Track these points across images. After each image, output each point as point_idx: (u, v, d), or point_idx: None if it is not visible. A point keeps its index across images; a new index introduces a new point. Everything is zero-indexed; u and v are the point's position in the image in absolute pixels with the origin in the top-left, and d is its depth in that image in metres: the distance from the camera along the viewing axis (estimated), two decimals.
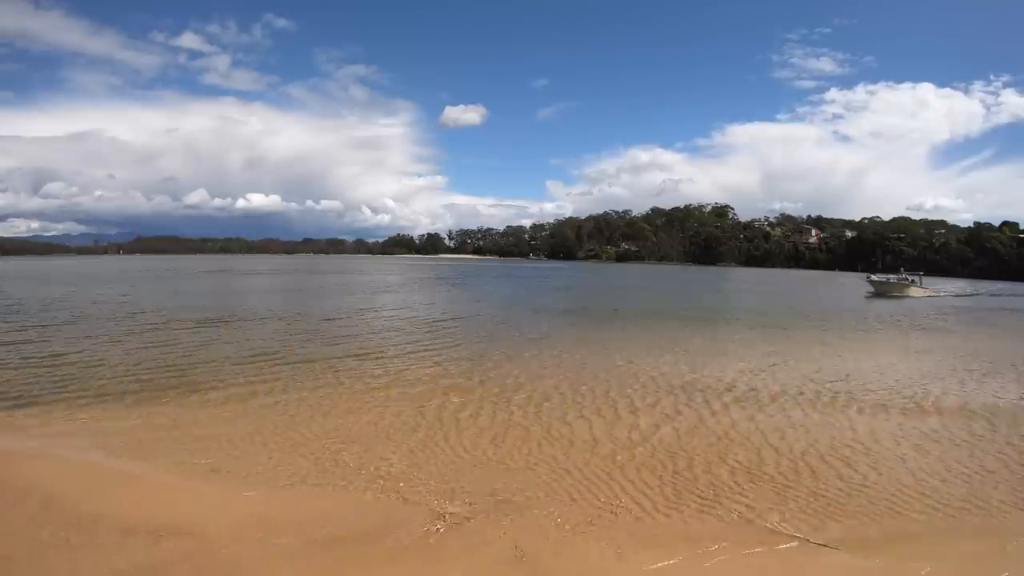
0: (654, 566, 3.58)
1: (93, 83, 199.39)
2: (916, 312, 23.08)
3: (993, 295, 39.18)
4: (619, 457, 5.49)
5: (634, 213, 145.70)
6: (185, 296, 23.30)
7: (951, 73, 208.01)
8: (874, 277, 36.80)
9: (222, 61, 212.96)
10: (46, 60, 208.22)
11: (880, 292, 33.81)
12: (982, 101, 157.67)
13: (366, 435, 5.98)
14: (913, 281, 34.89)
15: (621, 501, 4.52)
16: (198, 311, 17.42)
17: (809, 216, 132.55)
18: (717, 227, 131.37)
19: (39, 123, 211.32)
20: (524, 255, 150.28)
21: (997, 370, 10.51)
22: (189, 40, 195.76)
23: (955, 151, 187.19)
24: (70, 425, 6.17)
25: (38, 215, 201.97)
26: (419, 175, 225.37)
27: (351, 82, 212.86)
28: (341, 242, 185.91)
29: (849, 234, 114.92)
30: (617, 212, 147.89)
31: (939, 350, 12.96)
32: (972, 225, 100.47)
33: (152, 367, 9.11)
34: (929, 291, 35.03)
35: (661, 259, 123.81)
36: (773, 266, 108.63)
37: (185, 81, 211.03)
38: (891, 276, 37.43)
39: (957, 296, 36.39)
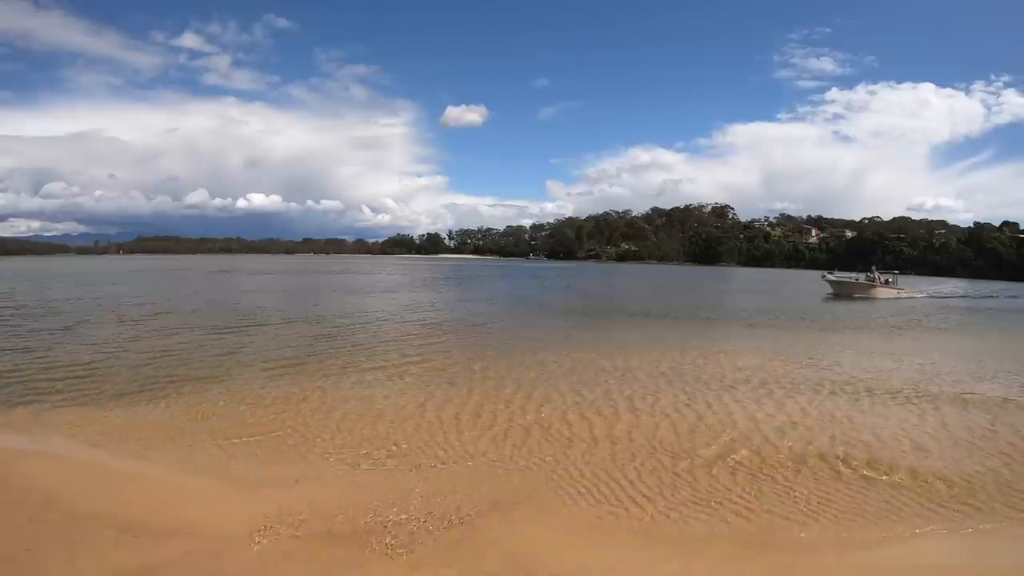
0: (655, 567, 3.58)
1: (93, 83, 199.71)
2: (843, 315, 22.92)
3: (985, 296, 36.25)
4: (619, 457, 5.49)
5: (634, 213, 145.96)
6: (192, 296, 23.30)
7: (952, 73, 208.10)
8: (831, 276, 32.85)
9: (222, 61, 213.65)
10: (46, 60, 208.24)
11: (840, 293, 30.97)
12: (983, 101, 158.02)
13: (366, 435, 5.97)
14: (888, 281, 32.38)
15: (621, 501, 4.52)
16: (206, 311, 17.43)
17: (809, 216, 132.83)
18: (717, 227, 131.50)
19: (39, 123, 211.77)
20: (524, 255, 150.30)
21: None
22: (189, 40, 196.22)
23: (956, 151, 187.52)
24: (71, 425, 6.16)
25: (38, 215, 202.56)
26: (419, 175, 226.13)
27: (352, 82, 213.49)
28: (341, 242, 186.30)
29: (849, 234, 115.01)
30: (617, 212, 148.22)
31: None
32: (972, 225, 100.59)
33: (154, 367, 9.11)
34: (904, 292, 32.45)
35: (661, 259, 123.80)
36: (773, 266, 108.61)
37: (185, 81, 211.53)
38: (854, 275, 34.15)
39: (937, 297, 33.31)
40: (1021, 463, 5.60)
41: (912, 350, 12.86)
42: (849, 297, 30.30)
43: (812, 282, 39.28)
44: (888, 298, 30.67)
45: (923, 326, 18.44)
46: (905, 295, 32.21)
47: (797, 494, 4.72)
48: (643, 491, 4.72)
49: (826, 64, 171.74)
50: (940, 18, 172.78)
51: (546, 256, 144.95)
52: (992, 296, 36.98)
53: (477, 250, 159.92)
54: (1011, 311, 26.98)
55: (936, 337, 15.90)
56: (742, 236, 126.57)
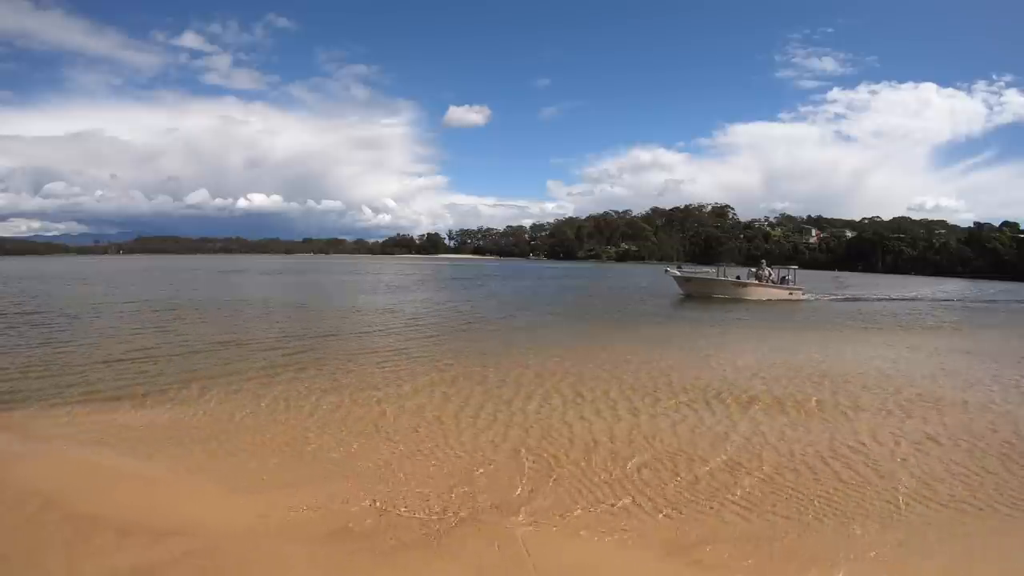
0: (655, 568, 3.57)
1: (93, 83, 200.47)
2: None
3: (944, 300, 29.29)
4: (619, 457, 5.47)
5: (634, 213, 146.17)
6: (196, 296, 23.29)
7: (954, 73, 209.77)
8: (675, 272, 26.10)
9: (223, 61, 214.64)
10: (46, 60, 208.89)
11: (692, 293, 24.87)
12: (984, 101, 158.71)
13: (367, 435, 5.96)
14: (784, 278, 26.32)
15: (621, 502, 4.51)
16: (211, 311, 17.42)
17: (809, 216, 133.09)
18: (717, 227, 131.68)
19: (39, 123, 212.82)
20: (524, 255, 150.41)
21: None
22: (190, 40, 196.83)
23: (957, 151, 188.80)
24: (70, 425, 6.15)
25: (39, 215, 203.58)
26: (420, 175, 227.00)
27: (352, 81, 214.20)
28: (341, 242, 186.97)
29: (849, 234, 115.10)
30: (617, 212, 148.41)
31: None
32: (973, 225, 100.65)
33: (154, 367, 9.10)
34: (802, 292, 25.89)
35: (661, 259, 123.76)
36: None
37: (186, 81, 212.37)
38: (712, 268, 28.32)
39: (848, 301, 26.72)
40: None
41: None
42: (707, 298, 24.27)
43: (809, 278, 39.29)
44: (772, 300, 24.27)
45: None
46: (804, 297, 25.93)
47: (800, 494, 4.71)
48: (644, 491, 4.70)
49: (828, 64, 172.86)
50: (942, 18, 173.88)
51: (546, 256, 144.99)
52: (950, 300, 30.66)
53: (477, 250, 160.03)
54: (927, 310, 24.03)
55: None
56: (742, 236, 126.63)
